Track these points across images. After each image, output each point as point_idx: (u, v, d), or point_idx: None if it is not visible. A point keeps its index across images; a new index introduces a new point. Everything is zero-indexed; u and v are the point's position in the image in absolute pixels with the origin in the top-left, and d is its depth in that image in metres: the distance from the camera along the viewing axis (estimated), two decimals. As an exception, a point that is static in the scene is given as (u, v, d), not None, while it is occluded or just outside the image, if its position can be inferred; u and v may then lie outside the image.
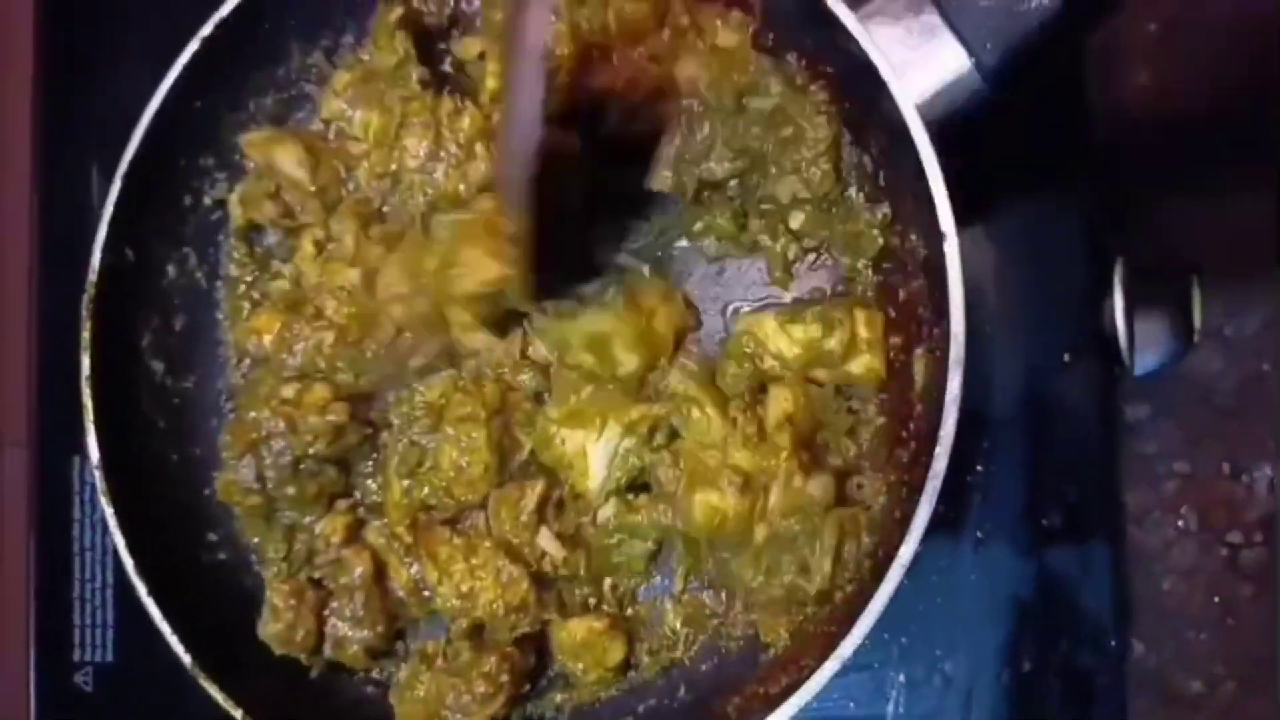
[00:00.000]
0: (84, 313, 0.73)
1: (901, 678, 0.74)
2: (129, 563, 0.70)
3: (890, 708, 0.74)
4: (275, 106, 0.79)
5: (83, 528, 0.87)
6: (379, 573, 0.73)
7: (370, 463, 0.76)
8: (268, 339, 0.74)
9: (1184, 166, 0.79)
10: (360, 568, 0.72)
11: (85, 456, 0.86)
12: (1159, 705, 0.80)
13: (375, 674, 0.76)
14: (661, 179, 0.73)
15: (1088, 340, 0.71)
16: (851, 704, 0.73)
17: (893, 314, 0.69)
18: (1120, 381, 0.74)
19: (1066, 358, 0.72)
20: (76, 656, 0.86)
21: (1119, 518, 0.77)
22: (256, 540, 0.77)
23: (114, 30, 0.89)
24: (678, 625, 0.72)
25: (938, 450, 0.56)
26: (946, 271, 0.57)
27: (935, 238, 0.58)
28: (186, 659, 0.68)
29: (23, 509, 0.88)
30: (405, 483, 0.72)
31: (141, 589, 0.70)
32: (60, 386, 0.87)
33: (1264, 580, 0.79)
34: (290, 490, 0.72)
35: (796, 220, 0.70)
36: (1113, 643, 0.74)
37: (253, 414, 0.72)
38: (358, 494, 0.76)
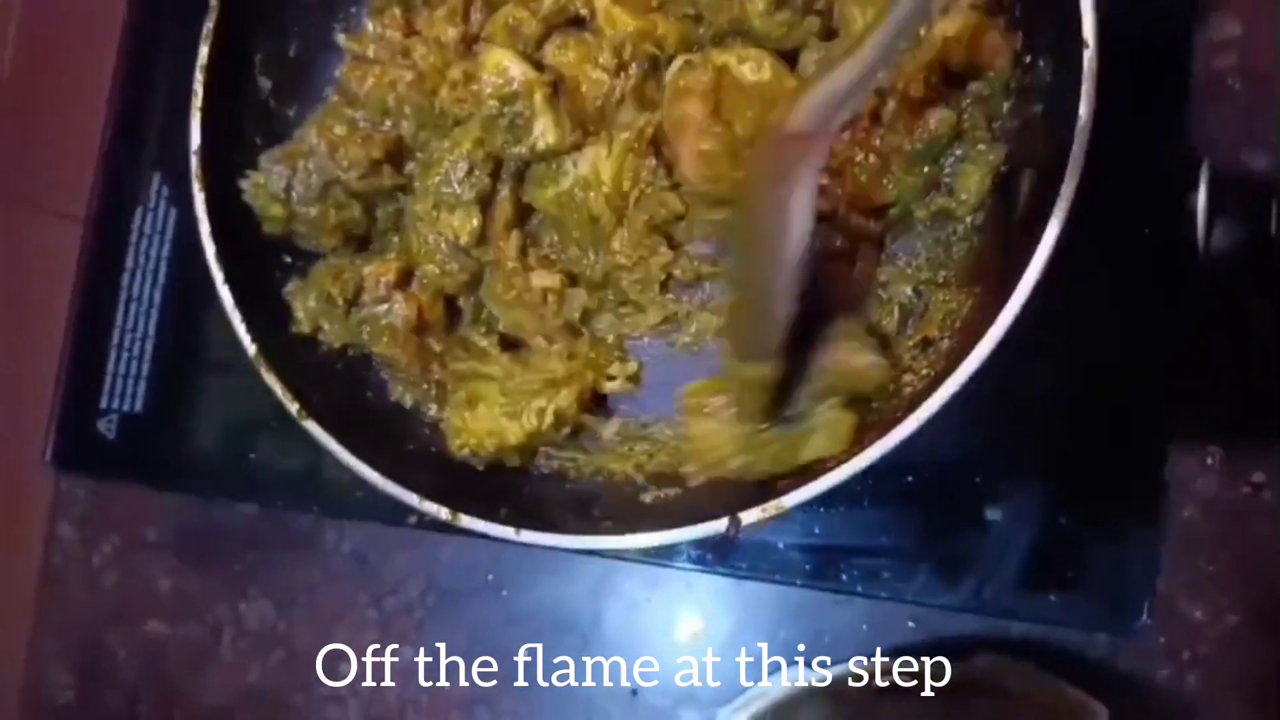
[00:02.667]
0: (212, 1, 0.74)
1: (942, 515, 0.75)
2: (209, 249, 0.71)
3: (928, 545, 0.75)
4: None
5: (133, 276, 0.86)
6: (421, 323, 0.75)
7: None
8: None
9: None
10: (406, 312, 0.74)
11: (147, 210, 0.87)
12: (1161, 626, 0.81)
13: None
14: None
15: (1168, 223, 0.72)
16: (883, 538, 0.74)
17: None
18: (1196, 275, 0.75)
19: (1147, 230, 0.74)
20: (104, 403, 0.85)
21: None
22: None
23: None
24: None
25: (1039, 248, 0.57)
26: (1081, 79, 0.59)
27: (1074, 48, 0.59)
28: (251, 349, 0.70)
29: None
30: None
31: (218, 276, 0.71)
32: (134, 141, 0.88)
33: (1281, 522, 0.81)
34: (313, 211, 0.74)
35: None
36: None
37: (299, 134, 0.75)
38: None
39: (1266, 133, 0.82)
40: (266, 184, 0.73)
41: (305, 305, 0.75)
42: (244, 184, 0.74)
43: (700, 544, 0.77)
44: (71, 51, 0.97)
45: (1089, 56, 0.59)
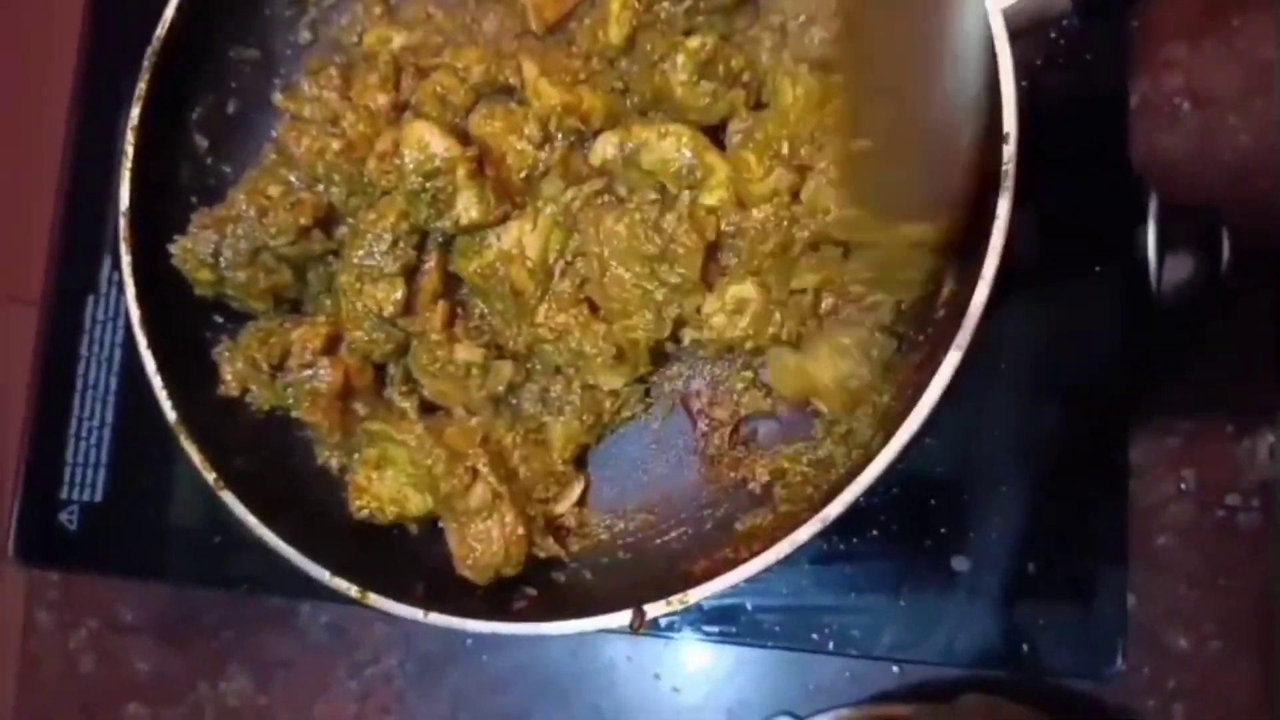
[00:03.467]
0: (145, 63, 0.72)
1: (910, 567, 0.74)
2: (135, 313, 0.70)
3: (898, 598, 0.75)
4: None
5: (88, 365, 0.86)
6: (347, 388, 0.74)
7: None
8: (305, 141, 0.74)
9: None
10: (331, 378, 0.73)
11: (99, 296, 0.86)
12: (1145, 657, 0.80)
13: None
14: None
15: (1118, 260, 0.72)
16: (853, 594, 0.74)
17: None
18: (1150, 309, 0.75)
19: (1097, 269, 0.74)
20: (65, 493, 0.85)
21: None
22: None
23: None
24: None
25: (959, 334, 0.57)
26: (1001, 173, 0.57)
27: (996, 141, 0.58)
28: (172, 416, 0.69)
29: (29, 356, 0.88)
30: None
31: (141, 341, 0.70)
32: (85, 227, 0.87)
33: (1258, 544, 0.81)
34: (242, 276, 0.73)
35: None
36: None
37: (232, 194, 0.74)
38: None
39: (1218, 154, 0.82)
40: (194, 248, 0.72)
41: (234, 367, 0.73)
42: (172, 248, 0.73)
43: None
44: (24, 135, 0.96)
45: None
